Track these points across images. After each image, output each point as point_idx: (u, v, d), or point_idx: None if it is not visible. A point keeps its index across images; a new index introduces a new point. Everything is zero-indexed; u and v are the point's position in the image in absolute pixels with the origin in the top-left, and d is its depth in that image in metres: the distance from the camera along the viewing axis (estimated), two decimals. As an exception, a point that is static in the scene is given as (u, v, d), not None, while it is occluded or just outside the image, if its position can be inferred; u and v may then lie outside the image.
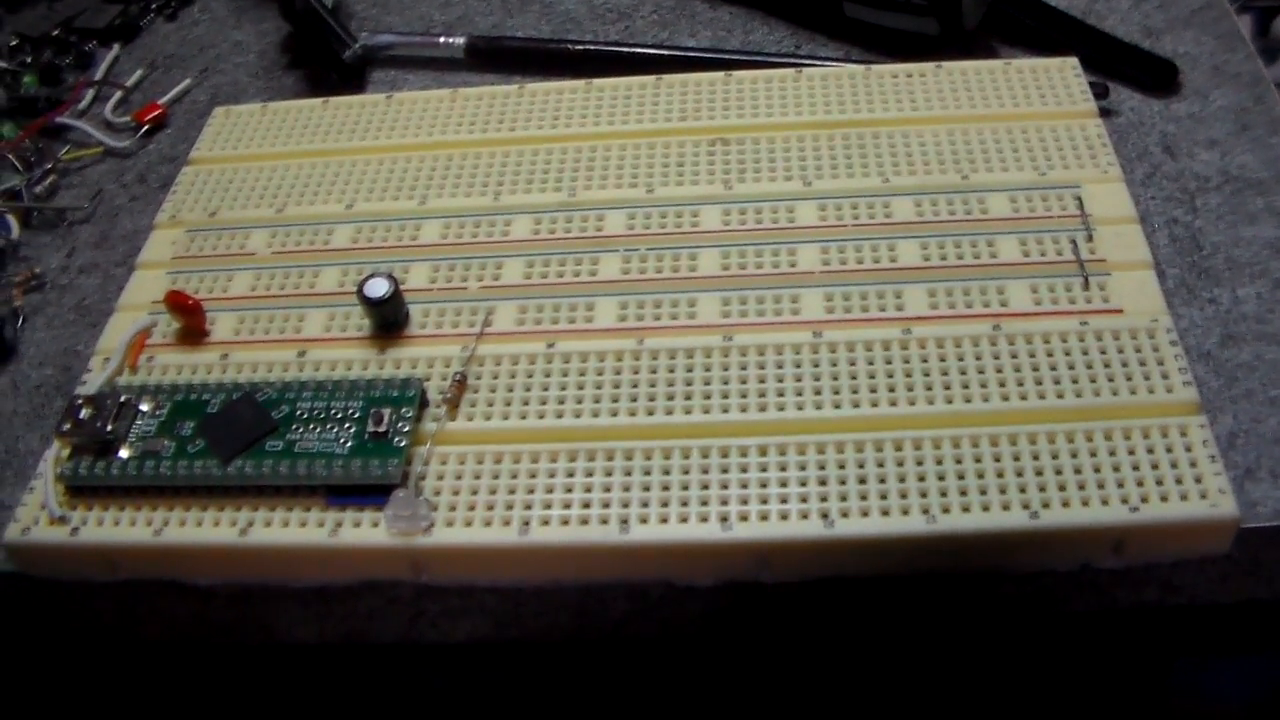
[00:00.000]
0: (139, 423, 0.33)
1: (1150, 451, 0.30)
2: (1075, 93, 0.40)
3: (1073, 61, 0.41)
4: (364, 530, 0.30)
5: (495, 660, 0.37)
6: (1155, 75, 0.43)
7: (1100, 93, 0.41)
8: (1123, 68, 0.43)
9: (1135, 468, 0.30)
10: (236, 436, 0.32)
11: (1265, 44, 0.66)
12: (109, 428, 0.32)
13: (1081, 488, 0.29)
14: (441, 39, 0.48)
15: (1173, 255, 0.37)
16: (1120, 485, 0.29)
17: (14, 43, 0.52)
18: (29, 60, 0.51)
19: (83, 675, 0.39)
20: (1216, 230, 0.38)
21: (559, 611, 0.33)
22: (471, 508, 0.30)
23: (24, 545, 0.32)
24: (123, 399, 0.33)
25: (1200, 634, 0.37)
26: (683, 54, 0.46)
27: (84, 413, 0.32)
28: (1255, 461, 0.32)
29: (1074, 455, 0.30)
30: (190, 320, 0.36)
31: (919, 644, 0.37)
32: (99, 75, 0.51)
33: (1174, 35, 0.45)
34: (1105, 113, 0.41)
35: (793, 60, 0.44)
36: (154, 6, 0.54)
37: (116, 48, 0.52)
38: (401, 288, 0.35)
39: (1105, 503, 0.29)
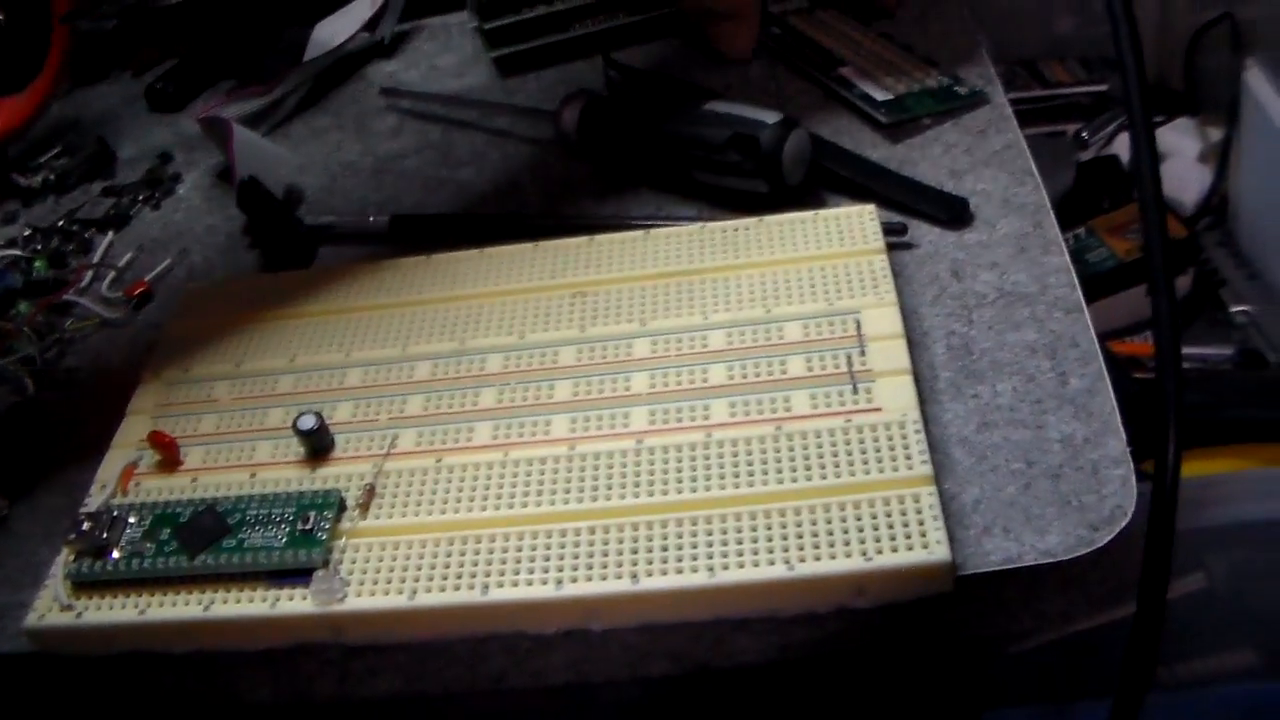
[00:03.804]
0: (127, 531, 0.42)
1: (888, 515, 0.38)
2: (869, 234, 0.47)
3: (870, 208, 0.48)
4: (295, 603, 0.39)
5: (419, 712, 0.45)
6: (950, 211, 0.50)
7: (899, 229, 0.49)
8: (923, 207, 0.50)
9: (875, 527, 0.37)
10: (200, 538, 0.41)
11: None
12: (104, 535, 0.42)
13: (831, 545, 0.37)
14: (370, 218, 0.57)
15: (947, 361, 0.44)
16: (861, 541, 0.37)
17: (27, 233, 0.62)
18: (39, 248, 0.61)
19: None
20: (986, 338, 0.44)
21: (454, 666, 0.41)
22: (375, 581, 0.39)
23: (40, 629, 0.41)
24: (114, 514, 0.43)
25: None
26: (561, 221, 0.55)
27: (85, 525, 0.42)
28: (992, 521, 0.39)
29: (828, 521, 0.38)
30: (167, 454, 0.45)
31: (773, 682, 0.44)
32: (96, 258, 0.60)
33: (975, 174, 0.52)
34: (907, 246, 0.49)
35: (646, 222, 0.53)
36: (141, 198, 0.64)
37: (111, 234, 0.62)
38: (328, 421, 0.44)
39: (848, 555, 0.37)
